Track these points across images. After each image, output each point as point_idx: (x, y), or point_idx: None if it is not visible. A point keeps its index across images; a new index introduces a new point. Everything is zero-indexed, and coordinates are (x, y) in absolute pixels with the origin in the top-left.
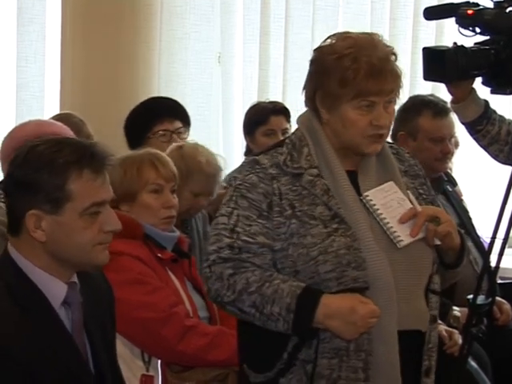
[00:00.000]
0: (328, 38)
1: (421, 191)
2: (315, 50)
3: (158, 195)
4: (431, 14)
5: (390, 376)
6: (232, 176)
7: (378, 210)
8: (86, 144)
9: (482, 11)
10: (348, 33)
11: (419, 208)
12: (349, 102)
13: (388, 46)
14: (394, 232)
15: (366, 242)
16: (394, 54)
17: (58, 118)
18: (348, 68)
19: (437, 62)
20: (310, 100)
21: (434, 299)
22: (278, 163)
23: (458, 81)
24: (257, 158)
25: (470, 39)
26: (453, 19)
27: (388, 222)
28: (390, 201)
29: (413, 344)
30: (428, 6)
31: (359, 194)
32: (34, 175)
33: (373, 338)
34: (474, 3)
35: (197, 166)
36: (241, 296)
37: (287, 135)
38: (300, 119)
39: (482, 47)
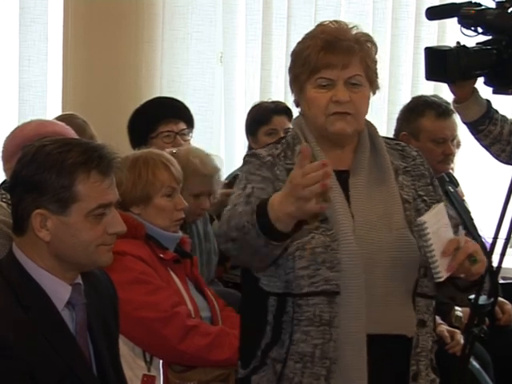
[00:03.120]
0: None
1: (421, 192)
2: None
3: (170, 198)
4: (433, 14)
5: (355, 382)
6: (237, 174)
7: (429, 239)
8: (94, 145)
9: (484, 11)
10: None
11: (462, 240)
12: (307, 80)
13: (361, 33)
14: (437, 266)
15: (346, 244)
16: (370, 42)
17: (61, 118)
18: (307, 47)
19: (439, 62)
20: (293, 94)
21: (422, 303)
22: (274, 155)
23: (460, 81)
24: (255, 151)
25: (471, 39)
26: (455, 19)
27: (434, 255)
28: (439, 228)
29: (400, 349)
30: (430, 5)
31: (347, 193)
32: (41, 175)
33: (339, 345)
34: (475, 3)
35: (191, 168)
36: (229, 224)
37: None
38: (295, 120)
39: (483, 47)
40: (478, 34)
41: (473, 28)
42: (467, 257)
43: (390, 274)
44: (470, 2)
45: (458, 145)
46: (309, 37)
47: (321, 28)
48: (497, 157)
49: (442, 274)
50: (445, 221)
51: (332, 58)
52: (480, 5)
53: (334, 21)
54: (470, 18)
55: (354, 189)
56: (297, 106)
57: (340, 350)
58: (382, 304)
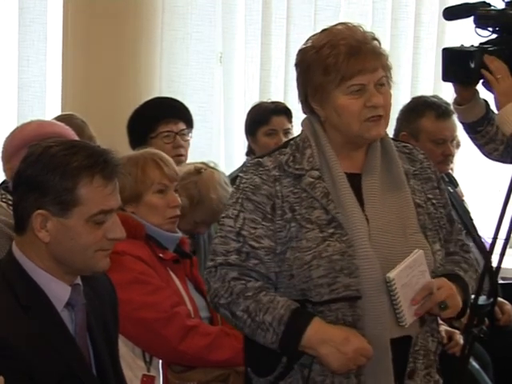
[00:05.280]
0: (308, 39)
1: (430, 196)
2: (297, 53)
3: (163, 195)
4: (450, 14)
5: (382, 382)
6: (237, 175)
7: (396, 294)
8: (100, 150)
9: (504, 11)
10: (325, 28)
11: (435, 287)
12: (337, 88)
13: (367, 32)
14: (401, 312)
15: (362, 249)
16: (376, 40)
17: (60, 118)
18: (328, 56)
19: (460, 63)
20: (304, 103)
21: None
22: (281, 164)
23: (478, 82)
24: (260, 159)
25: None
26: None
27: (400, 306)
28: (410, 278)
29: (401, 348)
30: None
31: (361, 197)
32: (45, 176)
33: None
34: (488, 3)
35: (207, 201)
36: (237, 299)
37: (289, 135)
38: (303, 122)
39: (497, 48)
40: (492, 33)
41: (490, 28)
42: (438, 304)
43: None
44: (484, 3)
45: (458, 145)
46: (324, 45)
47: (332, 33)
48: (488, 155)
49: (407, 321)
50: (421, 268)
51: (363, 63)
52: (490, 5)
53: (340, 23)
54: (490, 18)
55: (367, 191)
56: (305, 112)
57: None
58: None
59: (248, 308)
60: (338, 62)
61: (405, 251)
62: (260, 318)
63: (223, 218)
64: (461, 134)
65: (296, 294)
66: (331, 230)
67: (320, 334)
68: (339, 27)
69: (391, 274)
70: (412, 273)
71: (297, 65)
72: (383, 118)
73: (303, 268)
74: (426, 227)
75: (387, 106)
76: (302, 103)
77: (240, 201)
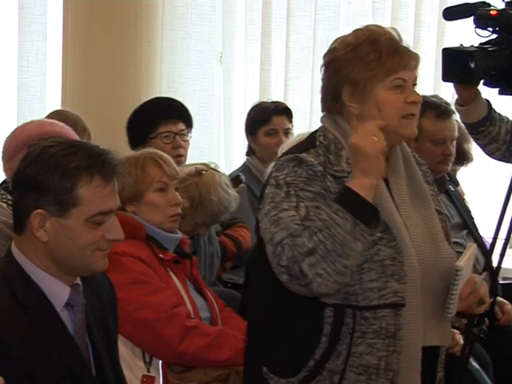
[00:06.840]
0: (335, 40)
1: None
2: (326, 55)
3: (163, 193)
4: (450, 14)
5: None
6: (237, 175)
7: (459, 284)
8: (98, 150)
9: (505, 12)
10: (356, 28)
11: (478, 282)
12: (381, 82)
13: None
14: (452, 304)
15: (409, 256)
16: None
17: (53, 115)
18: (369, 52)
19: (460, 63)
20: (333, 102)
21: None
22: (323, 163)
23: (479, 82)
24: (299, 155)
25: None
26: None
27: (455, 298)
28: (467, 271)
29: (430, 358)
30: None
31: (394, 201)
32: (44, 175)
33: (401, 357)
34: (488, 3)
35: (208, 202)
36: (304, 242)
37: (290, 135)
38: (324, 119)
39: (497, 48)
40: (492, 33)
41: (490, 28)
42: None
43: (436, 286)
44: (484, 3)
45: None
46: (363, 42)
47: (369, 31)
48: (490, 154)
49: (453, 312)
50: (471, 263)
51: (407, 59)
52: (490, 5)
53: (371, 25)
54: (490, 18)
55: (398, 196)
56: (329, 111)
57: (401, 362)
58: (434, 316)
59: (313, 233)
60: (381, 58)
61: (436, 259)
62: (322, 225)
63: (275, 214)
64: None
65: (338, 298)
66: (379, 234)
67: (354, 181)
68: (373, 27)
69: (460, 263)
70: (469, 266)
71: (328, 64)
72: (415, 117)
73: (353, 270)
74: (448, 234)
75: (420, 106)
76: (329, 102)
77: (293, 192)
